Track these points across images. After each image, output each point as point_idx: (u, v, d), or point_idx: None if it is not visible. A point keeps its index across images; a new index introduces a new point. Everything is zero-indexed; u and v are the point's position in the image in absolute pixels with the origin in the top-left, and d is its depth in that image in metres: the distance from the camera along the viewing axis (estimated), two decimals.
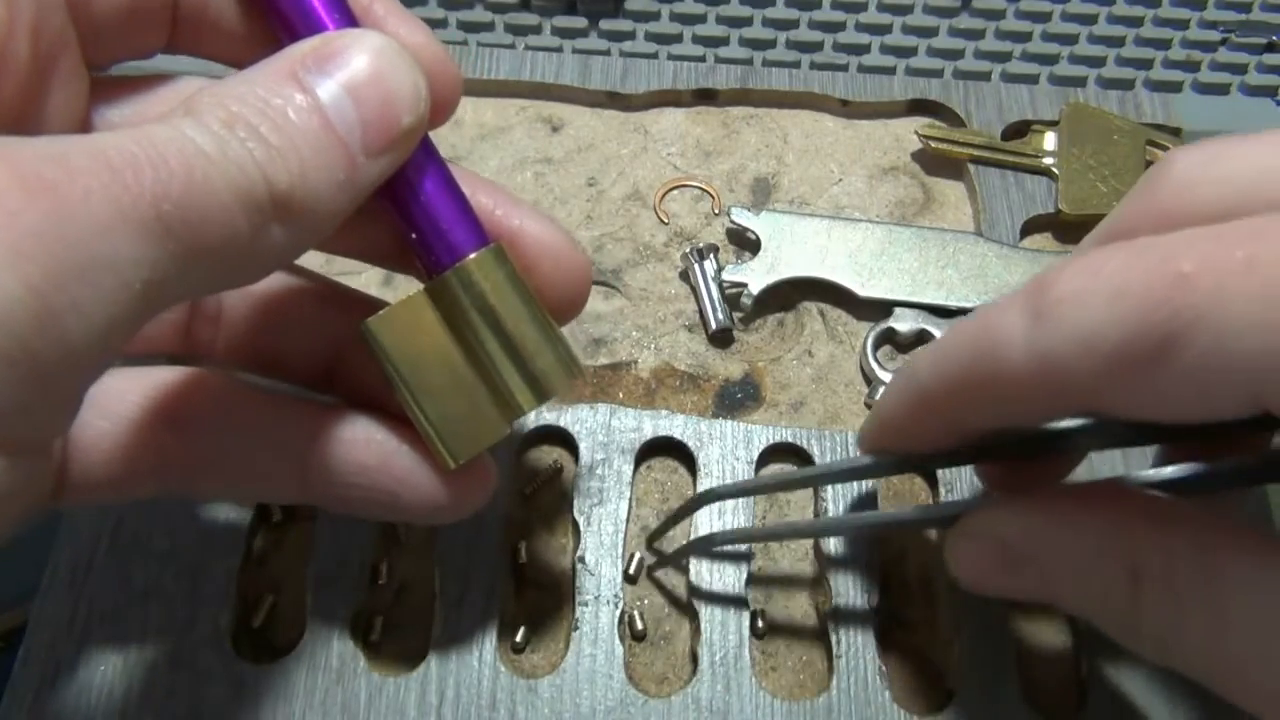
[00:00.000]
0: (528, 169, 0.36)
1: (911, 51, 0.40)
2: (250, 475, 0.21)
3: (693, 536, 0.28)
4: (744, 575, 0.28)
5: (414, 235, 0.20)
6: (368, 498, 0.21)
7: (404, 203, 0.20)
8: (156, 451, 0.21)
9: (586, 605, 0.27)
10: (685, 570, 0.28)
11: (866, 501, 0.29)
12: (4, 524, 0.15)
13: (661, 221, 0.35)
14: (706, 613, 0.27)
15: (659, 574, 0.29)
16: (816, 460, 0.30)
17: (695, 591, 0.28)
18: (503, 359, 0.20)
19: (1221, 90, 0.39)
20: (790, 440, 0.30)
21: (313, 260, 0.25)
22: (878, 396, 0.31)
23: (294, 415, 0.21)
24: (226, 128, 0.16)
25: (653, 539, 0.29)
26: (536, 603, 0.29)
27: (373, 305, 0.24)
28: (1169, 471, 0.22)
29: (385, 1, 0.20)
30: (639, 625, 0.28)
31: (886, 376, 0.31)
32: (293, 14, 0.19)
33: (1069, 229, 0.35)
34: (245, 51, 0.20)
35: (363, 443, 0.21)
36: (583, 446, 0.30)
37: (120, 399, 0.21)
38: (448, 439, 0.21)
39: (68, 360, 0.13)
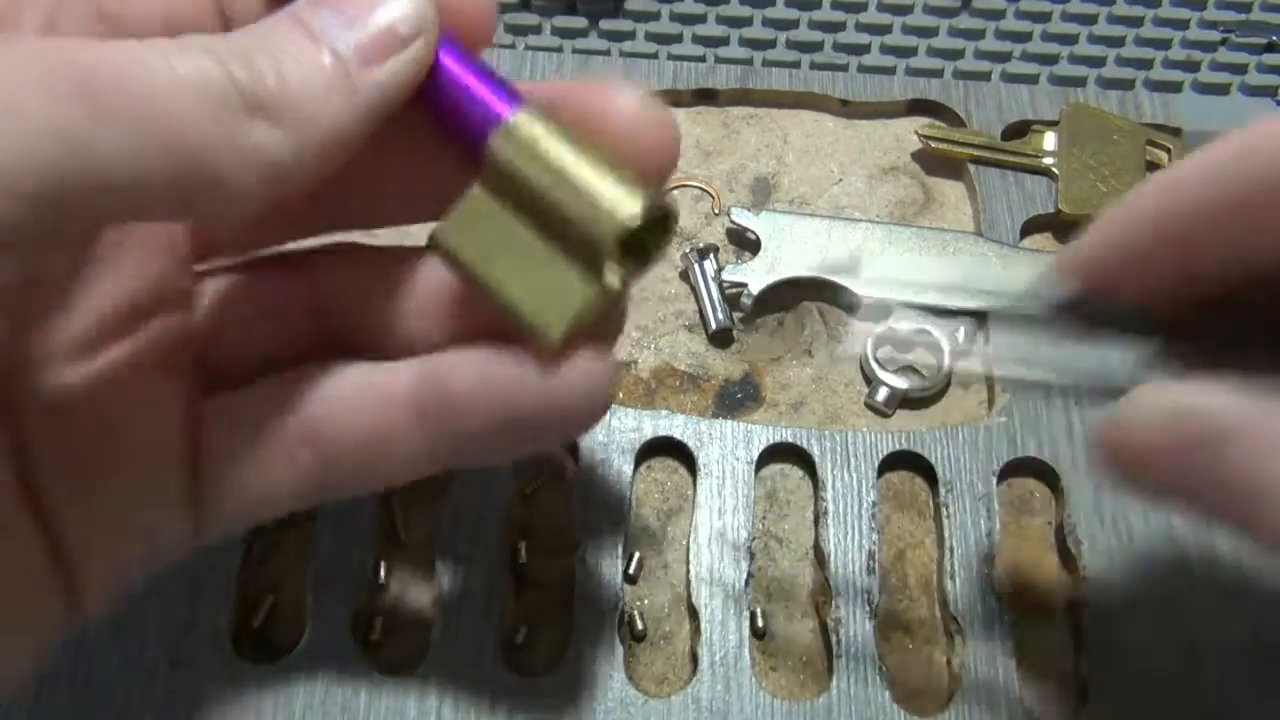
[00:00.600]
0: None
1: (911, 51, 0.40)
2: (371, 444, 0.20)
3: (692, 542, 0.28)
4: (744, 575, 0.28)
5: (452, 124, 0.19)
6: (490, 432, 0.19)
7: (430, 99, 0.19)
8: (279, 440, 0.20)
9: (586, 605, 0.27)
10: None
11: (868, 505, 0.29)
12: None
13: None
14: (706, 613, 0.27)
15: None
16: (817, 460, 0.30)
17: (695, 591, 0.28)
18: (571, 209, 0.19)
19: (1221, 90, 0.39)
20: (790, 440, 0.30)
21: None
22: (878, 396, 0.31)
23: (392, 369, 0.20)
24: (196, 44, 0.16)
25: None
26: (536, 603, 0.29)
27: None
28: None
29: None
30: (639, 625, 0.28)
31: (886, 376, 0.31)
32: None
33: (1069, 229, 0.35)
34: None
35: (467, 363, 0.20)
36: (583, 446, 0.30)
37: (261, 418, 0.21)
38: (540, 317, 0.19)
39: None
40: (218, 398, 0.21)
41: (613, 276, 0.19)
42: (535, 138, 0.19)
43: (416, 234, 0.21)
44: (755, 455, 0.30)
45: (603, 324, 0.20)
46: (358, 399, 0.20)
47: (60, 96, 0.14)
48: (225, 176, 0.16)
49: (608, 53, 0.39)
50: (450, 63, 0.19)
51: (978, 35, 0.40)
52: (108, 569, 0.20)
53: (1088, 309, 0.20)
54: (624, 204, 0.19)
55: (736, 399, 0.32)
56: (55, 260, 0.16)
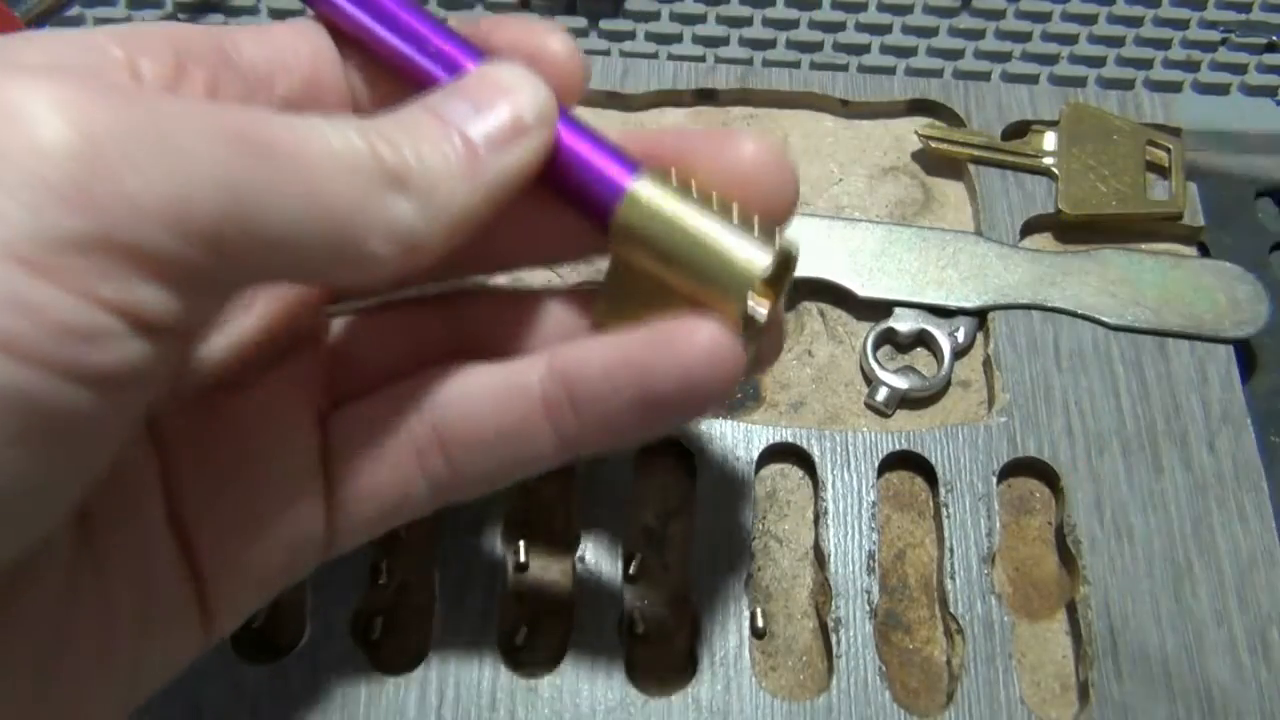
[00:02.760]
0: None
1: (911, 51, 0.40)
2: (501, 441, 0.21)
3: (692, 542, 0.28)
4: (744, 575, 0.28)
5: (576, 200, 0.20)
6: (620, 404, 0.20)
7: (552, 178, 0.20)
8: (408, 443, 0.21)
9: (586, 605, 0.27)
10: None
11: (868, 505, 0.29)
12: (135, 411, 0.16)
13: None
14: (706, 613, 0.27)
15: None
16: (817, 460, 0.30)
17: (695, 591, 0.28)
18: (705, 268, 0.20)
19: (1221, 90, 0.39)
20: (790, 440, 0.30)
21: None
22: (878, 396, 0.31)
23: (519, 366, 0.21)
24: (344, 123, 0.17)
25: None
26: (536, 603, 0.29)
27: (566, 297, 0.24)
28: None
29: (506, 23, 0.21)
30: (639, 625, 0.28)
31: (886, 376, 0.31)
32: (417, 69, 0.20)
33: (1069, 229, 0.35)
34: None
35: (593, 352, 0.20)
36: None
37: (359, 411, 0.21)
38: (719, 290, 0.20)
39: (127, 211, 0.14)
40: (347, 407, 0.22)
41: (756, 310, 0.20)
42: (657, 204, 0.20)
43: None
44: (755, 455, 0.30)
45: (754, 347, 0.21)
46: (486, 394, 0.21)
47: (234, 153, 0.15)
48: (366, 244, 0.17)
49: (608, 53, 0.39)
50: (568, 136, 0.20)
51: (978, 35, 0.40)
52: (244, 589, 0.20)
53: None
54: (755, 260, 0.20)
55: (736, 399, 0.32)
56: (212, 308, 0.17)
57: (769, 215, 0.20)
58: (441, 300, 0.24)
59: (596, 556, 0.28)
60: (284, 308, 0.22)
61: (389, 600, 0.28)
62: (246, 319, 0.22)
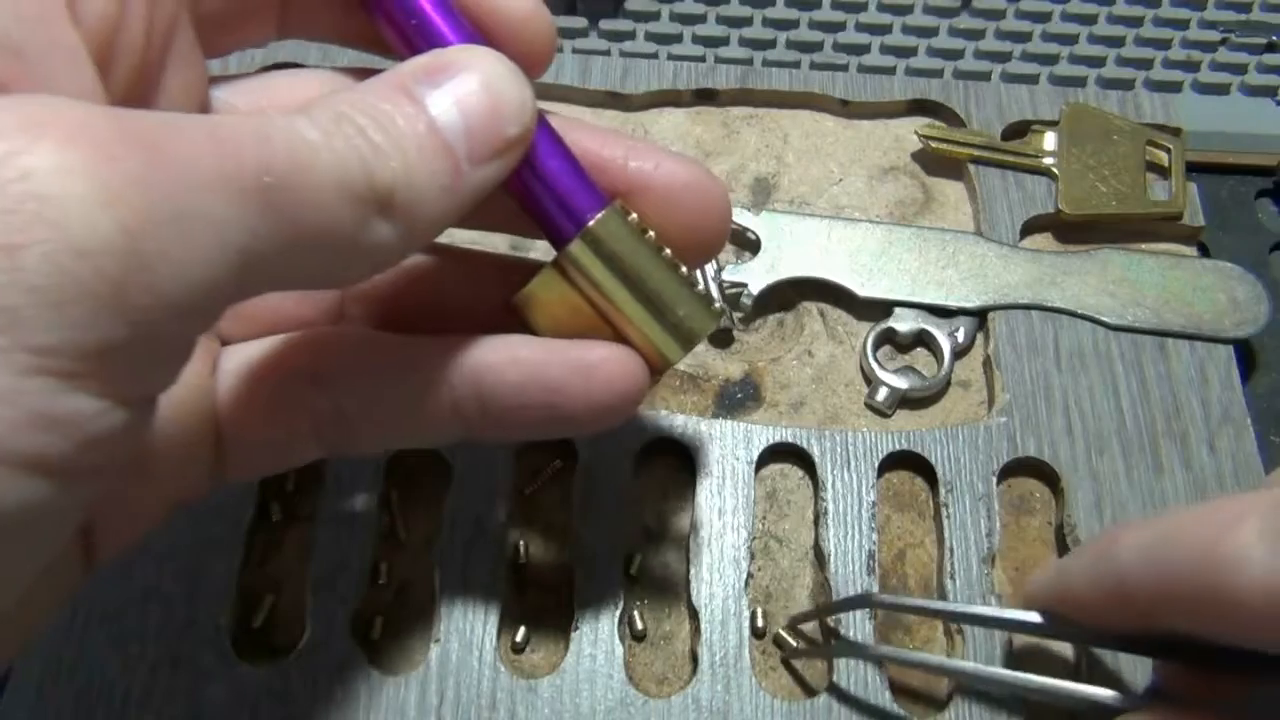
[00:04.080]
0: None
1: (911, 51, 0.40)
2: (406, 420, 0.21)
3: (692, 542, 0.28)
4: (743, 575, 0.28)
5: (534, 213, 0.21)
6: (528, 416, 0.21)
7: (517, 189, 0.20)
8: (309, 412, 0.21)
9: (586, 605, 0.27)
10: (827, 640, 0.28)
11: (868, 505, 0.29)
12: (109, 469, 0.15)
13: None
14: (706, 613, 0.27)
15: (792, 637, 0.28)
16: (817, 460, 0.30)
17: (695, 591, 0.28)
18: (642, 314, 0.21)
19: (1221, 90, 0.39)
20: (790, 440, 0.30)
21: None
22: (878, 397, 0.31)
23: (437, 353, 0.21)
24: (334, 123, 0.16)
25: (795, 623, 0.28)
26: (536, 603, 0.29)
27: (503, 266, 0.24)
28: None
29: None
30: (639, 625, 0.28)
31: (886, 376, 0.31)
32: (411, 28, 0.20)
33: (1069, 229, 0.35)
34: (357, 29, 0.21)
35: (510, 363, 0.21)
36: (582, 446, 0.30)
37: (265, 365, 0.22)
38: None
39: (159, 307, 0.13)
40: (240, 352, 0.22)
41: (677, 358, 0.22)
42: (613, 245, 0.21)
43: None
44: (755, 455, 0.30)
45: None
46: (396, 384, 0.21)
47: (249, 211, 0.15)
48: (345, 266, 0.17)
49: (608, 53, 0.39)
50: (542, 151, 0.20)
51: (978, 35, 0.40)
52: (130, 525, 0.21)
53: (1076, 630, 0.23)
54: (703, 322, 0.21)
55: (736, 399, 0.32)
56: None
57: (705, 248, 0.22)
58: None
59: (596, 556, 0.28)
60: None
61: (389, 600, 0.28)
62: None
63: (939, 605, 0.27)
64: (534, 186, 0.20)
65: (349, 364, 0.21)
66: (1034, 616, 0.24)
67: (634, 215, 0.21)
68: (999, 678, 0.24)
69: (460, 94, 0.18)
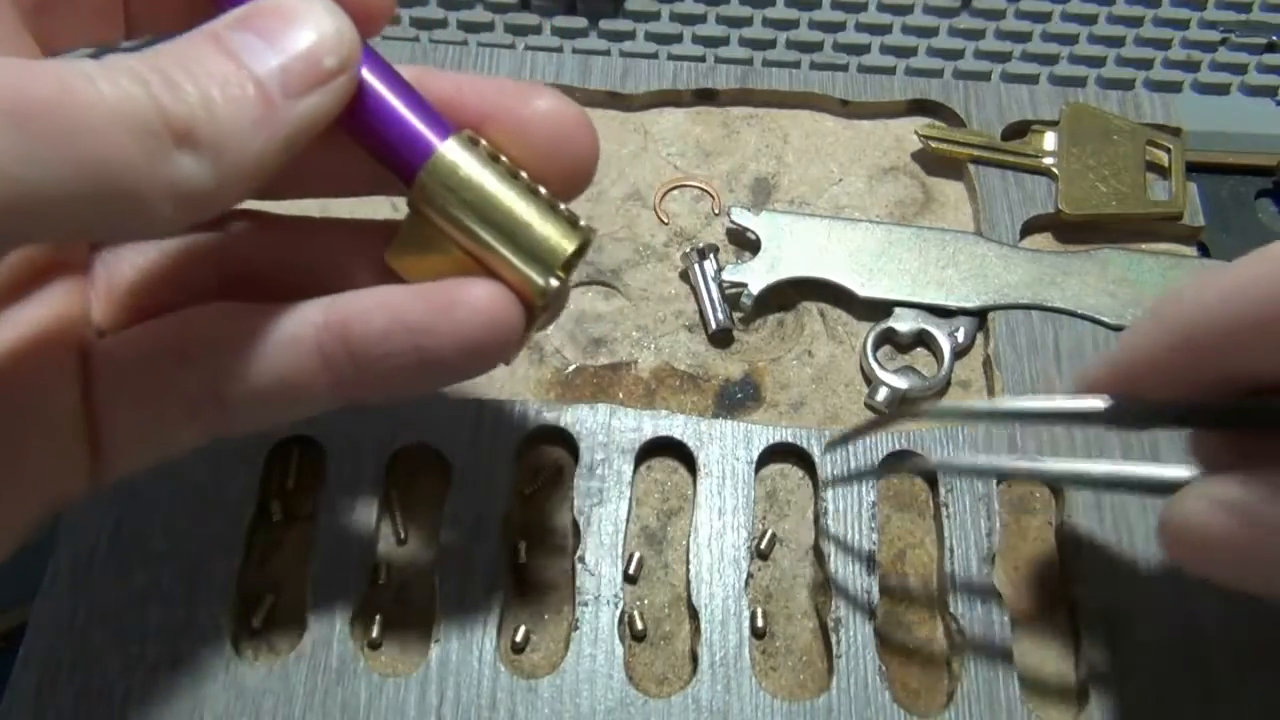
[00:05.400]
0: None
1: (911, 51, 0.40)
2: (278, 387, 0.21)
3: (692, 542, 0.28)
4: (744, 575, 0.28)
5: (380, 154, 0.20)
6: (398, 362, 0.20)
7: (359, 131, 0.20)
8: (180, 394, 0.20)
9: (586, 605, 0.27)
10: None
11: (868, 505, 0.29)
12: None
13: (661, 222, 0.35)
14: (706, 613, 0.27)
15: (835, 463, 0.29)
16: (817, 460, 0.30)
17: (695, 591, 0.28)
18: (502, 241, 0.20)
19: (1221, 90, 0.39)
20: (790, 440, 0.30)
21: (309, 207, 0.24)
22: (878, 396, 0.31)
23: (303, 312, 0.20)
24: (120, 65, 0.16)
25: (833, 444, 0.29)
26: (536, 603, 0.29)
27: (385, 229, 0.23)
28: None
29: None
30: (639, 625, 0.28)
31: (886, 376, 0.31)
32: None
33: (1069, 229, 0.35)
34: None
35: (376, 308, 0.20)
36: (583, 446, 0.30)
37: (131, 348, 0.21)
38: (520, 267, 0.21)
39: None
40: (109, 340, 0.21)
41: (551, 284, 0.20)
42: (464, 172, 0.20)
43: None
44: (755, 455, 0.30)
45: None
46: (261, 342, 0.20)
47: None
48: (146, 205, 0.16)
49: (608, 53, 0.39)
50: (373, 83, 0.19)
51: (978, 35, 0.40)
52: (13, 521, 0.20)
53: (1133, 410, 0.22)
54: (561, 243, 0.20)
55: (736, 399, 0.32)
56: None
57: (570, 176, 0.21)
58: (222, 226, 0.23)
59: (596, 556, 0.28)
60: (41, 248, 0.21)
61: (389, 600, 0.28)
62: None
63: (991, 406, 0.26)
64: (374, 126, 0.19)
65: (215, 337, 0.21)
66: (1097, 402, 0.22)
67: (484, 142, 0.20)
68: (1085, 472, 0.24)
69: (268, 28, 0.17)
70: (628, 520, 0.29)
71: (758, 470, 0.30)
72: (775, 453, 0.30)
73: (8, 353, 0.20)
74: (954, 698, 0.27)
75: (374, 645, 0.28)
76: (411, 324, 0.20)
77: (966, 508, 0.29)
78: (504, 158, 0.20)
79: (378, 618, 0.28)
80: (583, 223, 0.21)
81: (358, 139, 0.20)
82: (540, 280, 0.20)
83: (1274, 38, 0.40)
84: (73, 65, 0.15)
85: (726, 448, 0.30)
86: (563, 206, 0.21)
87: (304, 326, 0.20)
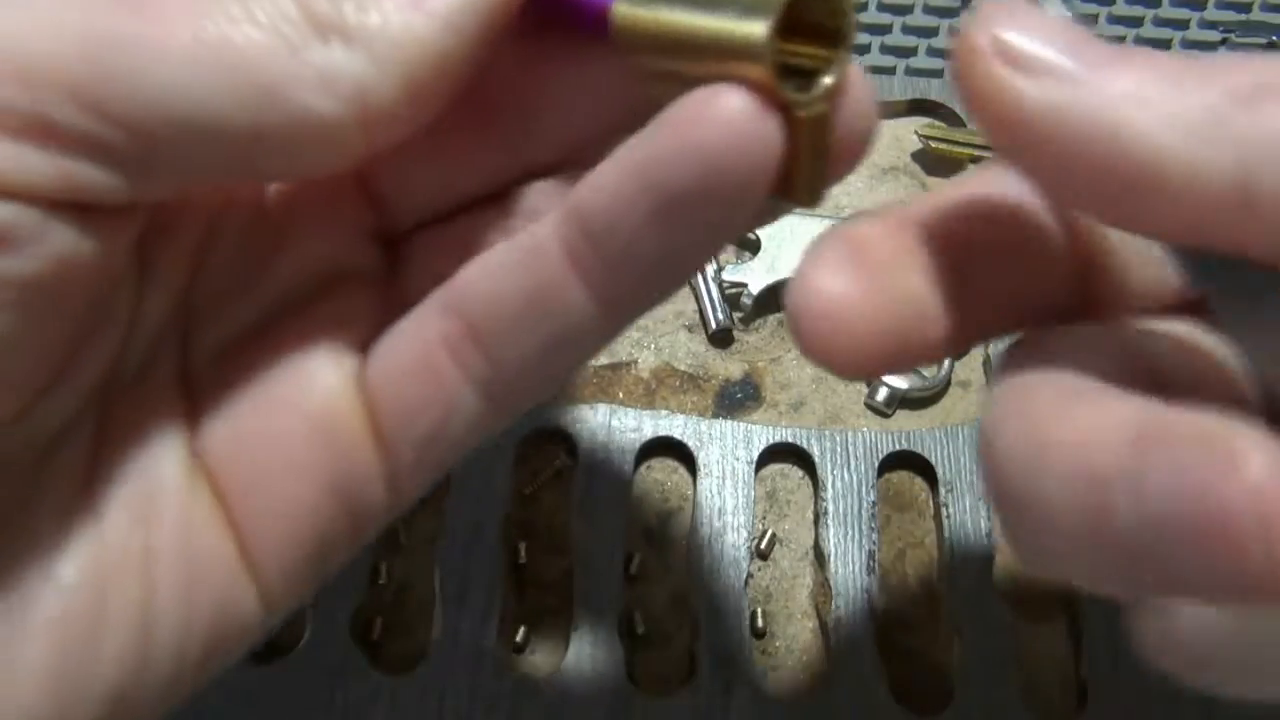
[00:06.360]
0: None
1: (911, 51, 0.40)
2: (549, 321, 0.18)
3: (692, 542, 0.28)
4: (743, 575, 0.28)
5: (568, 19, 0.17)
6: (635, 224, 0.16)
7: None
8: (440, 338, 0.18)
9: (586, 605, 0.27)
10: None
11: (868, 505, 0.29)
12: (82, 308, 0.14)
13: None
14: (706, 613, 0.27)
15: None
16: (817, 460, 0.30)
17: (695, 592, 0.28)
18: (710, 27, 0.15)
19: None
20: (790, 440, 0.30)
21: None
22: (878, 396, 0.31)
23: (534, 231, 0.18)
24: None
25: None
26: (536, 603, 0.29)
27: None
28: None
29: None
30: (639, 625, 0.28)
31: (886, 376, 0.31)
32: None
33: None
34: None
35: (598, 173, 0.17)
36: (583, 446, 0.30)
37: (413, 332, 0.18)
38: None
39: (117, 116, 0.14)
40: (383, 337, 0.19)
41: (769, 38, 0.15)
42: None
43: None
44: (755, 455, 0.30)
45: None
46: (505, 263, 0.18)
47: (98, 7, 0.14)
48: (307, 104, 0.15)
49: None
50: None
51: None
52: (291, 547, 0.18)
53: None
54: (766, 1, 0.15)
55: (736, 399, 0.32)
56: (146, 190, 0.15)
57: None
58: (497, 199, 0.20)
59: (596, 556, 0.28)
60: (324, 245, 0.19)
61: (389, 600, 0.28)
62: (284, 258, 0.19)
63: None
64: None
65: (492, 290, 0.18)
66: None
67: None
68: None
69: None
70: (628, 520, 0.29)
71: (758, 470, 0.30)
72: (775, 453, 0.30)
73: (279, 356, 0.18)
74: (954, 698, 0.27)
75: (374, 645, 0.28)
76: (637, 164, 0.16)
77: (966, 508, 0.29)
78: None
79: (378, 618, 0.28)
80: None
81: (539, 13, 0.17)
82: (760, 31, 0.15)
83: (1274, 38, 0.40)
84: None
85: (726, 448, 0.30)
86: None
87: (541, 230, 0.17)
